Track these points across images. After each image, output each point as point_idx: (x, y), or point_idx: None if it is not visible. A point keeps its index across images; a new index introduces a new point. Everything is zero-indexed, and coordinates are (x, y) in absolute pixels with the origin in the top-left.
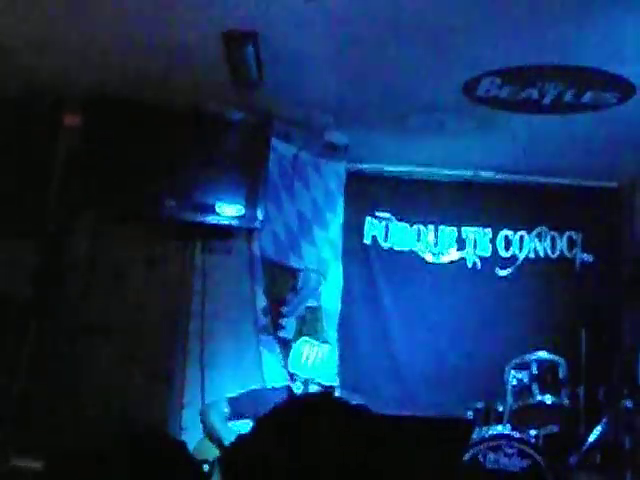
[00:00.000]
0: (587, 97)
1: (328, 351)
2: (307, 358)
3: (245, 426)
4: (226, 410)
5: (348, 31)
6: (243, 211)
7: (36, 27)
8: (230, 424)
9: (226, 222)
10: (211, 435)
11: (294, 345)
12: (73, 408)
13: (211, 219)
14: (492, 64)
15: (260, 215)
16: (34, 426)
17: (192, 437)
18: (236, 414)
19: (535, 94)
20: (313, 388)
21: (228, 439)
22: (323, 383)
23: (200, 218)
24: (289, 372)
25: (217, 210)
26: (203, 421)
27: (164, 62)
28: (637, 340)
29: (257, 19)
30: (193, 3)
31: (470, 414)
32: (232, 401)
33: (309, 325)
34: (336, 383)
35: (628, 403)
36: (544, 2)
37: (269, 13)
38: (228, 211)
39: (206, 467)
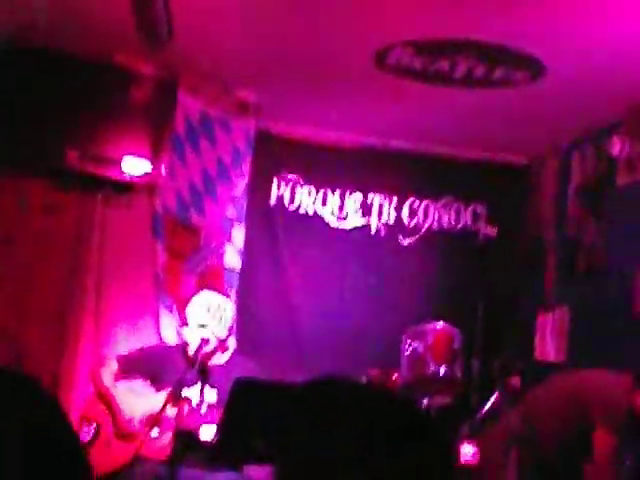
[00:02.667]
0: (498, 74)
1: (229, 306)
2: (209, 307)
3: (136, 386)
4: (116, 369)
5: None
6: (146, 166)
7: None
8: (120, 383)
9: (128, 176)
10: (100, 395)
11: (199, 295)
12: None
13: (114, 173)
14: (405, 34)
15: (163, 171)
16: None
17: (83, 392)
18: (127, 372)
19: (446, 67)
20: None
21: (114, 399)
22: (219, 335)
23: (102, 171)
24: (185, 319)
25: (120, 164)
26: (93, 380)
27: (72, 9)
28: (532, 317)
29: None
30: None
31: (364, 380)
32: (122, 359)
33: (209, 284)
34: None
35: (515, 380)
36: None
37: None
38: (131, 165)
39: (93, 426)
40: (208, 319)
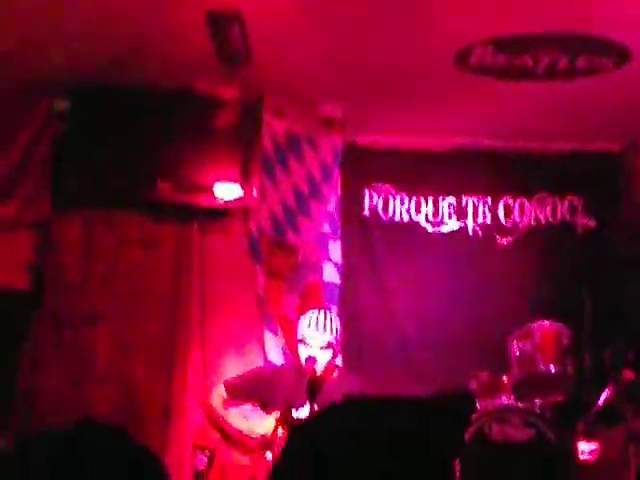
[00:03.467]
0: (581, 63)
1: (328, 314)
2: (313, 325)
3: (246, 411)
4: (225, 394)
5: (336, 3)
6: (238, 190)
7: (22, 15)
8: (230, 409)
9: (221, 202)
10: (212, 421)
11: (305, 315)
12: (76, 398)
13: (206, 200)
14: (484, 33)
15: (255, 193)
16: (38, 416)
17: (194, 421)
18: (236, 397)
19: (529, 62)
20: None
21: (225, 424)
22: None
23: (196, 199)
24: (299, 338)
25: (212, 190)
26: (204, 407)
27: (149, 44)
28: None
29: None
30: None
31: (474, 384)
32: (231, 385)
33: (310, 301)
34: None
35: (628, 373)
36: None
37: None
38: (223, 191)
39: (207, 454)
40: (316, 337)
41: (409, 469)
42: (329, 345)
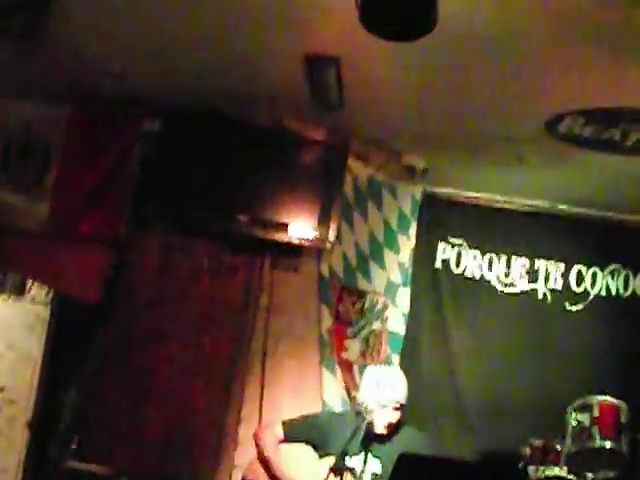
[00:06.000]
0: None
1: (398, 373)
2: (382, 383)
3: (299, 450)
4: (280, 434)
5: (431, 60)
6: (315, 230)
7: (124, 34)
8: (282, 447)
9: (297, 240)
10: (262, 457)
11: (365, 374)
12: (134, 416)
13: (282, 236)
14: (576, 103)
15: (332, 236)
16: (95, 432)
17: (246, 453)
18: (290, 438)
19: (617, 135)
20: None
21: (277, 464)
22: (402, 402)
23: (271, 235)
24: (358, 402)
25: (289, 228)
26: (257, 442)
27: (246, 77)
28: None
29: (341, 44)
30: (277, 23)
31: (527, 451)
32: (287, 425)
33: (372, 348)
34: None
35: None
36: (627, 42)
37: (353, 38)
38: (300, 230)
39: None
40: (383, 394)
41: None
42: (399, 407)
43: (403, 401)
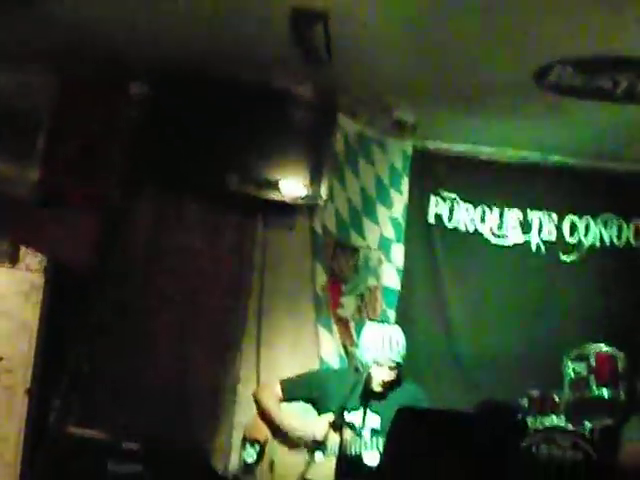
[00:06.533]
0: None
1: (396, 331)
2: (379, 341)
3: (299, 406)
4: (279, 393)
5: (420, 13)
6: (307, 188)
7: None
8: (283, 405)
9: (289, 198)
10: (263, 415)
11: (363, 331)
12: (132, 378)
13: (274, 195)
14: (565, 52)
15: (324, 193)
16: (95, 397)
17: (245, 413)
18: (289, 397)
19: (608, 83)
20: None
21: (280, 420)
22: (398, 361)
23: (263, 194)
24: (356, 359)
25: (280, 186)
26: (256, 401)
27: (232, 36)
28: None
29: None
30: None
31: (526, 402)
32: (285, 384)
33: (368, 304)
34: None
35: None
36: None
37: None
38: (292, 188)
39: (256, 447)
40: (381, 352)
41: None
42: (397, 367)
43: (399, 360)
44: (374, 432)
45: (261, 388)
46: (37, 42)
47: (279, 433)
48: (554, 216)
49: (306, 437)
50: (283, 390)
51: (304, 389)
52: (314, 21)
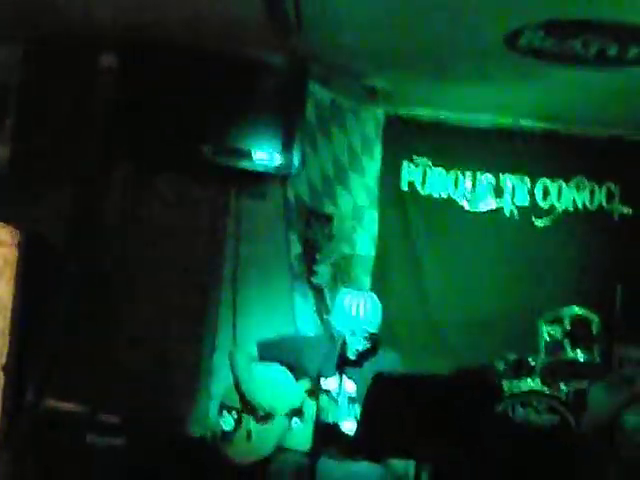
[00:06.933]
0: (632, 53)
1: (371, 300)
2: (354, 309)
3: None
4: (255, 352)
5: None
6: (279, 156)
7: None
8: (258, 368)
9: (261, 167)
10: (236, 385)
11: (337, 298)
12: (109, 350)
13: (246, 164)
14: (535, 16)
15: (296, 161)
16: (71, 370)
17: (222, 382)
18: (264, 357)
19: (578, 47)
20: (360, 338)
21: (246, 382)
22: (372, 331)
23: (235, 163)
24: (331, 326)
25: (252, 155)
26: (231, 363)
27: (200, 4)
28: None
29: None
30: None
31: (502, 365)
32: (262, 345)
33: (343, 272)
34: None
35: None
36: None
37: None
38: (263, 156)
39: (234, 415)
40: (354, 321)
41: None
42: (372, 336)
43: (373, 330)
44: (351, 400)
45: (236, 349)
46: (0, 15)
47: (244, 403)
48: (527, 180)
49: (273, 412)
50: (259, 350)
51: (280, 351)
52: None
